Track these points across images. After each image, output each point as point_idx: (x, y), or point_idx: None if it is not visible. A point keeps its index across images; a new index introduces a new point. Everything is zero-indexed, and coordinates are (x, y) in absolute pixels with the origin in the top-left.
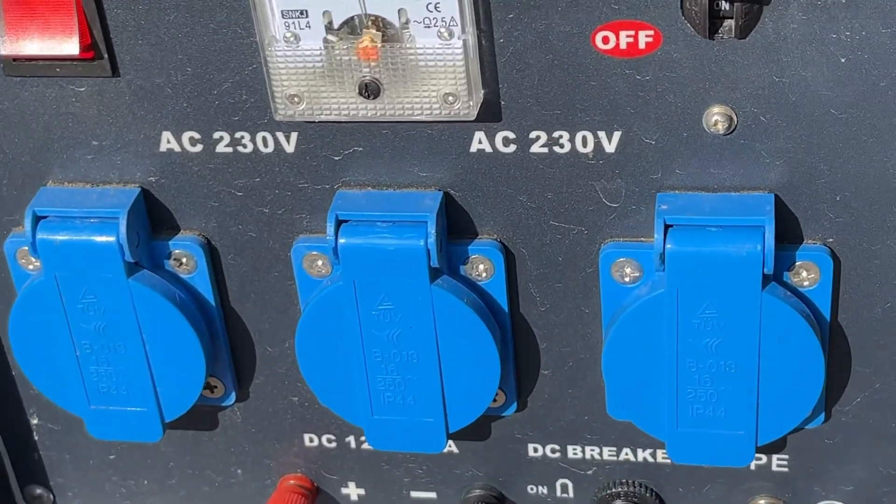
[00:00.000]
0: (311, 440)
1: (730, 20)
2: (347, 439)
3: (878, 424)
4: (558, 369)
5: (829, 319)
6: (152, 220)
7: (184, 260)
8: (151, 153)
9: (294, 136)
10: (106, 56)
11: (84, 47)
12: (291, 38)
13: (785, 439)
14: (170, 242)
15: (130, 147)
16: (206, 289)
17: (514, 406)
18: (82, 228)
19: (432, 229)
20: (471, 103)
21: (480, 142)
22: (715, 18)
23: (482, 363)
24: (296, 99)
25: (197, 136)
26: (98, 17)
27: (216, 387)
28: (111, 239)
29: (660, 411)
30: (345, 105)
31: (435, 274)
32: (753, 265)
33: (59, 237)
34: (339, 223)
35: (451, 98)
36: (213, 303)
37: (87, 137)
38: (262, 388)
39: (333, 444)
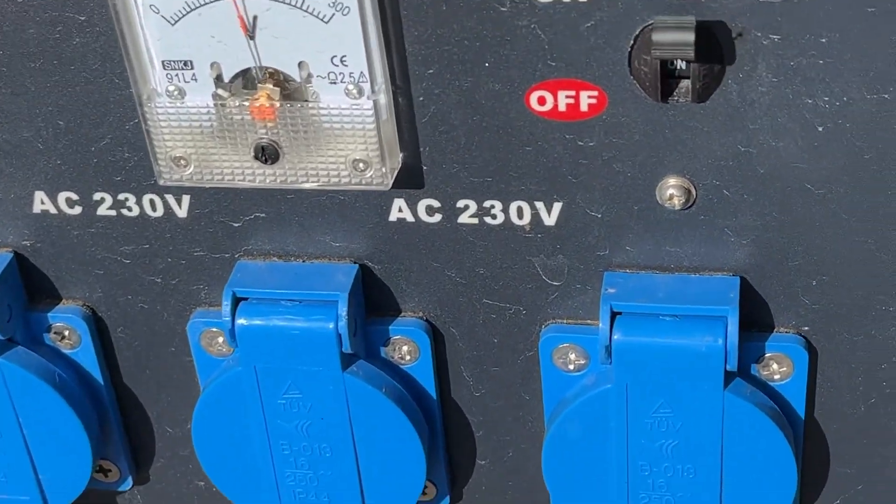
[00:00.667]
0: None
1: (686, 81)
2: None
3: None
4: (497, 460)
5: (803, 417)
6: (29, 289)
7: (66, 333)
8: (24, 214)
9: (186, 199)
10: None
11: None
12: (175, 93)
13: None
14: (49, 314)
15: (0, 207)
16: (92, 365)
17: (447, 500)
18: None
19: (343, 310)
20: (384, 171)
21: (401, 210)
22: (671, 78)
23: (406, 456)
24: (182, 161)
25: (74, 196)
26: None
27: (110, 470)
28: None
29: None
30: (239, 170)
31: (348, 360)
32: (714, 361)
33: None
34: (237, 300)
35: (361, 165)
36: (101, 380)
37: None
38: (162, 471)
39: None
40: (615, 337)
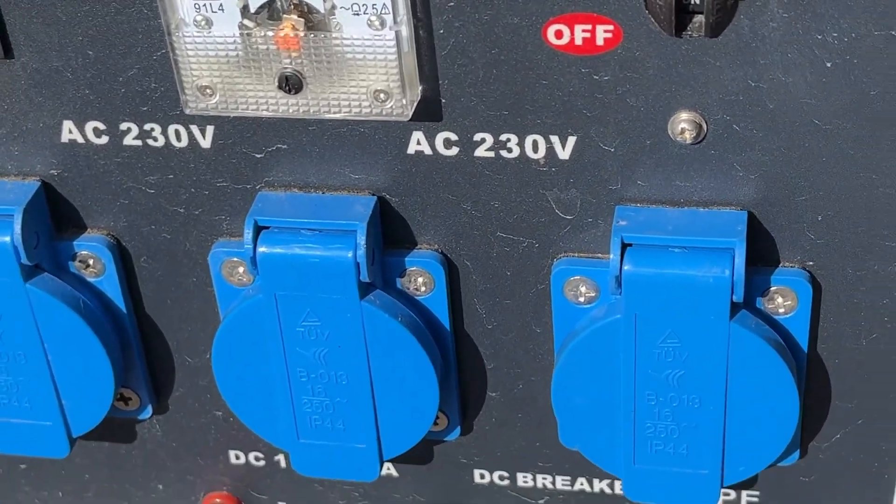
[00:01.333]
0: (238, 457)
1: (700, 16)
2: (276, 458)
3: (860, 464)
4: (507, 392)
5: (806, 350)
6: (55, 218)
7: (91, 262)
8: (52, 144)
9: (210, 129)
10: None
11: None
12: (203, 22)
13: (756, 475)
14: (74, 243)
15: (28, 136)
16: (115, 294)
17: (458, 430)
18: None
19: (362, 240)
20: (404, 102)
21: (419, 143)
22: (683, 13)
23: (419, 386)
24: (208, 91)
25: (102, 126)
26: None
27: (130, 399)
28: (5, 239)
29: (615, 445)
30: (263, 99)
31: (366, 289)
32: (721, 292)
33: None
34: (258, 229)
35: (382, 95)
36: (124, 309)
37: None
38: (181, 400)
39: (262, 463)
40: (625, 268)
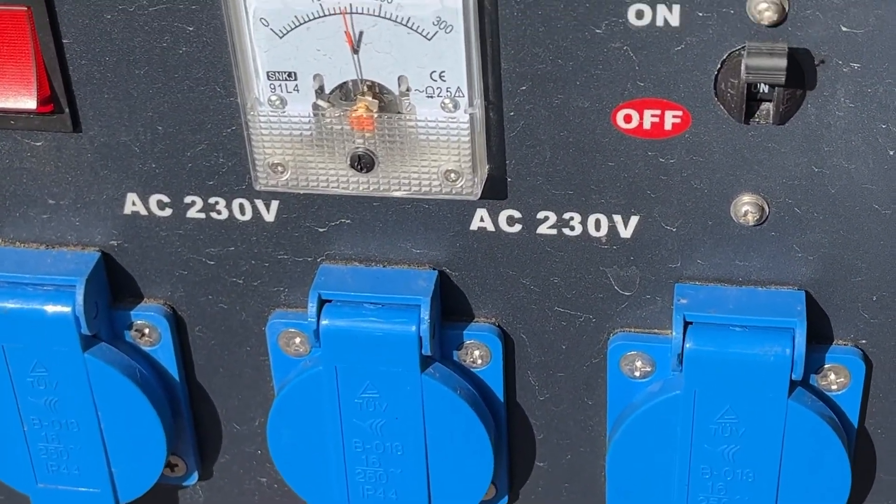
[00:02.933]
0: None
1: (768, 103)
2: None
3: None
4: (555, 462)
5: (856, 426)
6: (113, 287)
7: (146, 331)
8: (114, 215)
9: (275, 204)
10: (67, 110)
11: (42, 100)
12: (277, 102)
13: None
14: (132, 312)
15: (91, 207)
16: (169, 362)
17: (506, 500)
18: (35, 296)
19: (426, 315)
20: (475, 181)
21: (482, 219)
22: (752, 101)
23: (474, 457)
24: (279, 168)
25: (166, 199)
26: (59, 68)
27: (177, 465)
28: (67, 310)
29: None
30: (334, 177)
31: (426, 362)
32: (781, 371)
33: (9, 305)
34: (321, 302)
35: (453, 175)
36: (177, 378)
37: (42, 195)
38: (227, 467)
39: None
40: (688, 345)
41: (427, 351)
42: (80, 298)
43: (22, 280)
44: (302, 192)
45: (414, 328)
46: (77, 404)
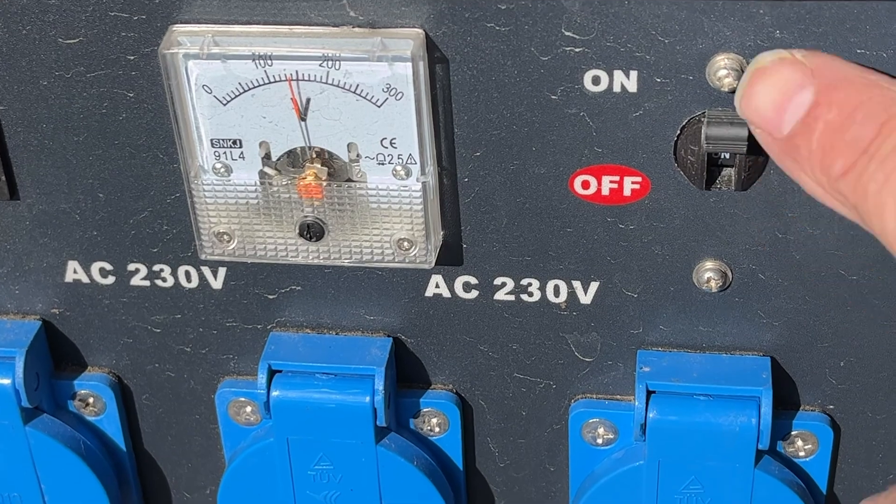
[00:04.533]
0: None
1: (730, 169)
2: None
3: None
4: None
5: (825, 492)
6: (55, 356)
7: (90, 401)
8: (55, 283)
9: (222, 271)
10: (3, 178)
11: None
12: (222, 170)
13: None
14: (75, 382)
15: (30, 276)
16: (115, 432)
17: None
18: None
19: (380, 385)
20: (429, 249)
21: (437, 286)
22: (713, 167)
23: None
24: (225, 237)
25: (108, 267)
26: None
27: None
28: (6, 382)
29: None
30: (283, 246)
31: (381, 432)
32: (747, 441)
33: None
34: (272, 373)
35: (406, 244)
36: (123, 447)
37: None
38: None
39: None
40: (651, 415)
41: (382, 422)
42: (19, 371)
43: None
44: (249, 260)
45: (368, 399)
46: (19, 478)
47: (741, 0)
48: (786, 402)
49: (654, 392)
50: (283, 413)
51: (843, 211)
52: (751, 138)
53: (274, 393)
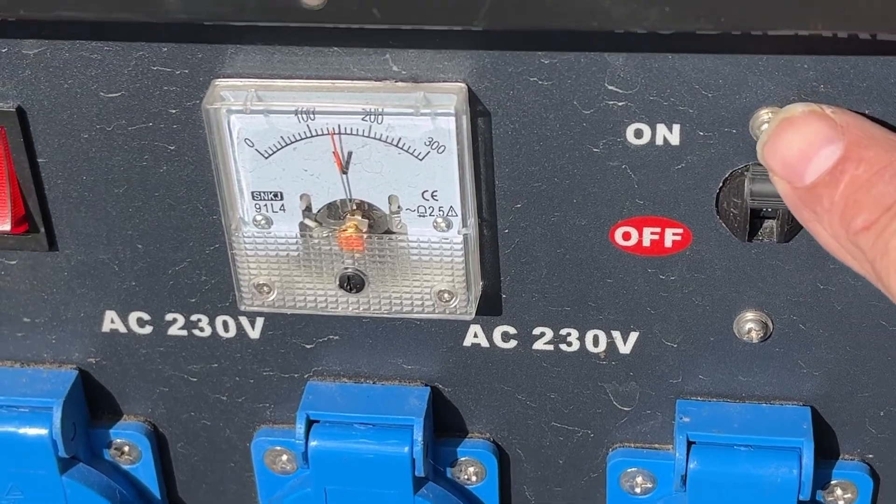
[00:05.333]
0: None
1: (771, 221)
2: None
3: None
4: None
5: None
6: (91, 405)
7: (126, 449)
8: (92, 333)
9: (260, 321)
10: (42, 229)
11: (17, 220)
12: (262, 222)
13: None
14: (111, 431)
15: (68, 325)
16: (151, 481)
17: None
18: (10, 419)
19: (419, 436)
20: (469, 301)
21: (476, 335)
22: (755, 219)
23: None
24: (265, 288)
25: (146, 317)
26: (34, 187)
27: None
28: (43, 432)
29: None
30: (322, 297)
31: (419, 483)
32: (788, 492)
33: None
34: (309, 423)
35: (446, 295)
36: (158, 496)
37: (17, 313)
38: None
39: None
40: (691, 466)
41: (420, 472)
42: (57, 421)
43: None
44: (289, 312)
45: (406, 449)
46: None
47: (785, 55)
48: (825, 450)
49: (694, 443)
50: (322, 463)
51: (855, 266)
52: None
53: (312, 443)
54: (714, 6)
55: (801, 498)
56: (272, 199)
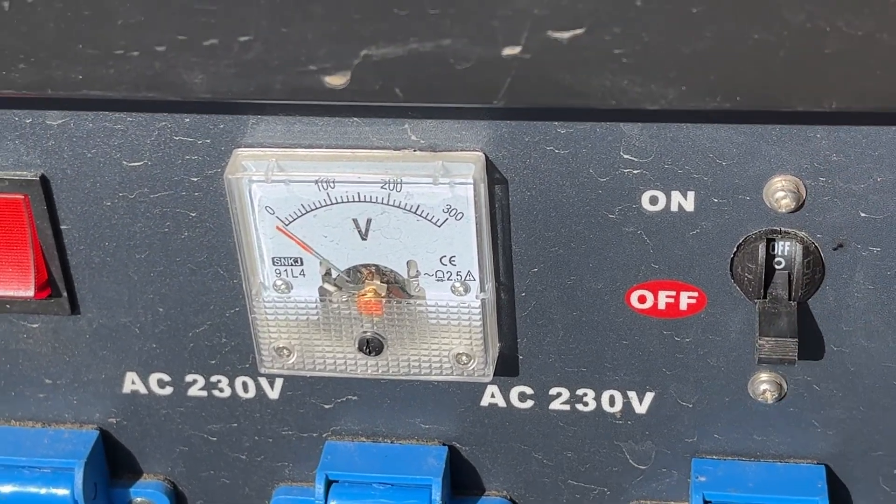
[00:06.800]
0: None
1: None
2: None
3: None
4: None
5: None
6: (110, 463)
7: None
8: (113, 394)
9: (279, 382)
10: (65, 294)
11: (40, 286)
12: (283, 287)
13: None
14: (130, 490)
15: (89, 387)
16: None
17: None
18: (32, 479)
19: (437, 495)
20: (487, 363)
21: (493, 395)
22: (769, 282)
23: None
24: (285, 351)
25: (166, 378)
26: (57, 254)
27: None
28: (65, 492)
29: None
30: (342, 360)
31: None
32: None
33: (6, 489)
34: (328, 483)
35: (464, 358)
36: None
37: (39, 375)
38: None
39: None
40: None
41: None
42: (79, 482)
43: (18, 463)
44: (308, 374)
45: None
46: None
47: (797, 124)
48: None
49: (710, 502)
50: None
51: None
52: (805, 255)
53: (332, 503)
54: (730, 87)
55: None
56: (292, 265)
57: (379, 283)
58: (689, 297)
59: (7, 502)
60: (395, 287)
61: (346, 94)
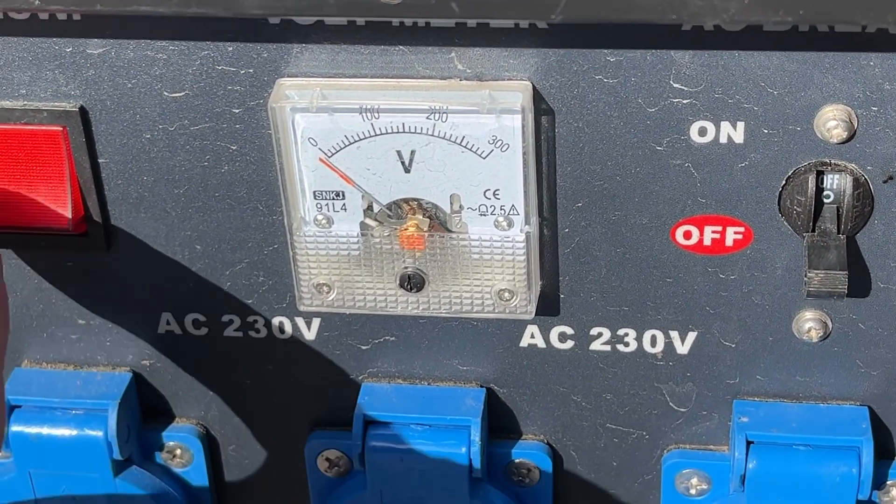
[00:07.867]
0: None
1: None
2: None
3: None
4: None
5: None
6: (143, 407)
7: (178, 452)
8: (147, 335)
9: (316, 322)
10: (102, 231)
11: (77, 221)
12: (324, 222)
13: None
14: (163, 434)
15: (123, 327)
16: (202, 483)
17: None
18: (65, 421)
19: (476, 436)
20: (530, 300)
21: (533, 336)
22: (818, 216)
23: None
24: (325, 288)
25: (202, 318)
26: (94, 188)
27: None
28: (99, 434)
29: None
30: (382, 297)
31: (475, 483)
32: (847, 491)
33: (38, 430)
34: (366, 423)
35: (507, 294)
36: (210, 500)
37: (71, 315)
38: None
39: None
40: (751, 466)
41: (477, 473)
42: (112, 423)
43: (50, 404)
44: (348, 312)
45: (464, 450)
46: None
47: (851, 52)
48: (881, 451)
49: (752, 442)
50: (379, 465)
51: None
52: (854, 186)
53: (370, 444)
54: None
55: (860, 497)
56: (334, 199)
57: (421, 217)
58: (735, 233)
59: (41, 444)
60: (436, 223)
61: (402, 8)
